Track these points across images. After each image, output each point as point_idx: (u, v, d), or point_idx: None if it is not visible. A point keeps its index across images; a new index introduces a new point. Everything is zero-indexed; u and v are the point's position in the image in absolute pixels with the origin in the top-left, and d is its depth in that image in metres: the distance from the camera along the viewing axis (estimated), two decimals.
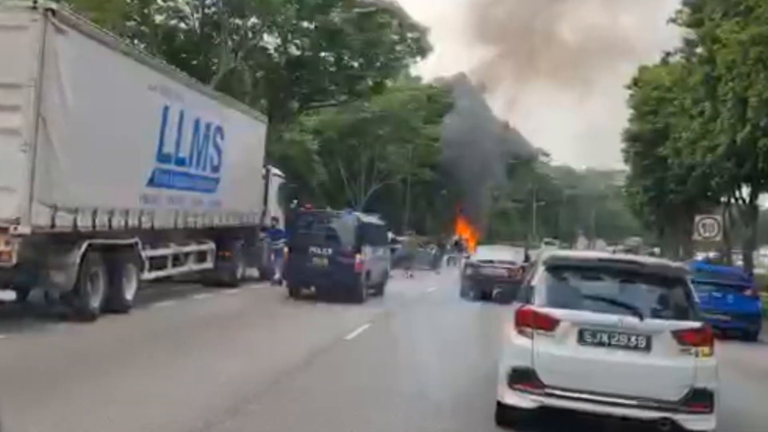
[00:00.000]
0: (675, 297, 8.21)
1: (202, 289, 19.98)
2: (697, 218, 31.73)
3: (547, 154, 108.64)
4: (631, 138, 44.90)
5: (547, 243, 63.83)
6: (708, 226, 30.97)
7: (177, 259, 18.09)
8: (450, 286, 30.24)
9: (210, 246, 20.09)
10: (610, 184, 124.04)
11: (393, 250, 33.09)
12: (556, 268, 8.44)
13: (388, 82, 59.07)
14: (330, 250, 19.73)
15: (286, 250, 20.33)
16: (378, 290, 22.37)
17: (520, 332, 8.01)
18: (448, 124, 62.24)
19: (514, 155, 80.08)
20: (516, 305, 8.52)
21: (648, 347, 7.69)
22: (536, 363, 7.77)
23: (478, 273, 23.96)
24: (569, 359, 7.76)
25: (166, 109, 16.17)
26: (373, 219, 22.61)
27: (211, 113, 18.89)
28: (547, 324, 7.86)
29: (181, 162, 17.27)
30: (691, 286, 8.31)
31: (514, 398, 7.88)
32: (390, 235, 35.02)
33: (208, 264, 20.12)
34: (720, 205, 43.31)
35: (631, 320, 7.70)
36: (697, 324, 7.85)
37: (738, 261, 38.63)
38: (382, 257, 22.58)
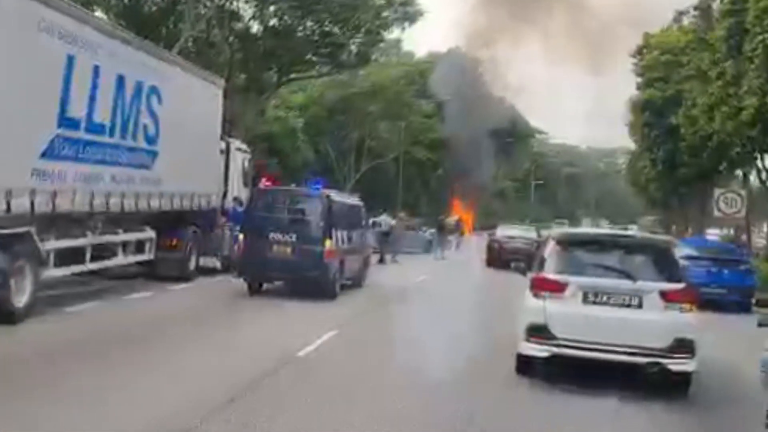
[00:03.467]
0: (662, 264, 9.64)
1: (143, 285, 16.34)
2: (717, 192, 28.06)
3: (544, 132, 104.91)
4: (639, 107, 40.99)
5: (557, 223, 67.83)
6: (730, 200, 27.31)
7: (100, 251, 14.42)
8: (444, 272, 26.65)
9: (149, 234, 16.41)
10: (611, 162, 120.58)
11: (387, 234, 29.53)
12: (564, 242, 10.10)
13: (377, 56, 55.57)
14: (294, 236, 16.04)
15: (240, 236, 16.60)
16: (356, 282, 18.71)
17: (535, 295, 9.50)
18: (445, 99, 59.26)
19: (511, 133, 76.40)
20: (531, 274, 10.00)
21: (640, 305, 9.15)
22: (548, 320, 9.22)
23: (502, 247, 30.01)
24: (575, 316, 9.19)
25: (70, 59, 12.41)
26: (347, 198, 18.88)
27: (142, 70, 15.13)
28: (557, 288, 9.35)
29: (97, 129, 13.54)
30: (676, 255, 10.15)
31: (531, 349, 9.35)
32: (386, 218, 31.44)
33: (147, 255, 16.45)
34: (734, 178, 39.71)
35: (626, 283, 9.22)
36: (680, 285, 9.33)
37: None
38: (359, 243, 18.89)
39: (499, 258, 28.62)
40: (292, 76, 38.56)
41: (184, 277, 17.78)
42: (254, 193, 17.17)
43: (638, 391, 8.96)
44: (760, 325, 7.41)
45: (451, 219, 42.86)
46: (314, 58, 37.25)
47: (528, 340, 9.35)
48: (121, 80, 14.25)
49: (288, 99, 48.87)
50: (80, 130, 12.91)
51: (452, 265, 30.12)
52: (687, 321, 9.12)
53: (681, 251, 13.90)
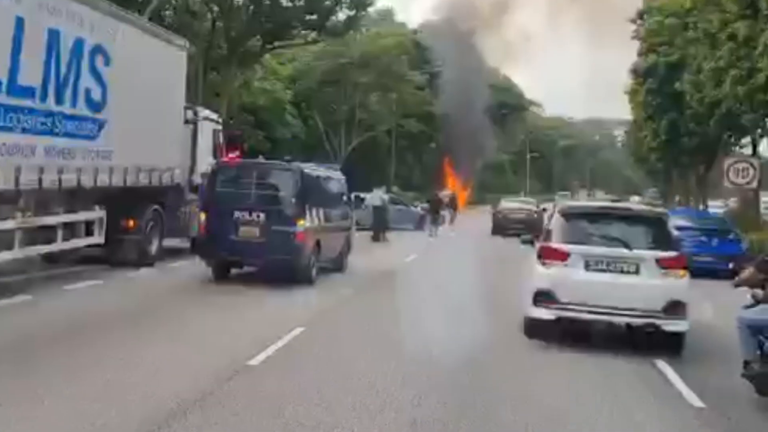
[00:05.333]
0: (657, 233, 10.34)
1: (95, 272, 14.31)
2: (728, 162, 25.95)
3: (539, 104, 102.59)
4: (641, 75, 38.69)
5: (561, 195, 70.56)
6: (741, 170, 25.23)
7: (33, 235, 12.33)
8: (436, 251, 24.55)
9: (97, 214, 14.31)
10: (606, 134, 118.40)
11: (381, 210, 27.45)
12: (567, 214, 10.80)
13: (368, 28, 53.17)
14: (263, 215, 13.93)
15: (201, 215, 14.48)
16: (337, 265, 16.63)
17: (542, 263, 10.17)
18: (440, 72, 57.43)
19: (505, 104, 74.19)
20: (538, 244, 10.66)
21: (637, 271, 9.87)
22: (554, 285, 9.96)
23: (505, 216, 33.30)
24: (578, 282, 9.90)
25: None
26: (324, 171, 16.71)
27: (83, 26, 12.95)
28: (561, 256, 10.06)
29: (23, 93, 11.40)
30: (670, 225, 10.78)
31: (538, 312, 10.04)
32: (379, 193, 29.27)
33: (97, 238, 14.37)
34: (736, 147, 37.60)
35: (624, 251, 9.93)
36: (673, 253, 10.07)
37: None
38: (340, 221, 16.79)
39: (502, 226, 32.16)
40: (277, 44, 36.20)
41: (145, 261, 15.73)
42: (217, 167, 14.96)
43: (629, 350, 9.76)
44: (736, 286, 8.37)
45: (445, 193, 40.65)
46: (298, 24, 34.87)
47: (536, 305, 10.01)
48: (54, 36, 12.07)
49: (276, 70, 46.52)
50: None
51: (445, 242, 28.01)
52: (679, 285, 9.84)
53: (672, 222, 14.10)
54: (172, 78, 16.85)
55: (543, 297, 9.94)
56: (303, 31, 36.26)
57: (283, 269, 14.11)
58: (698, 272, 11.32)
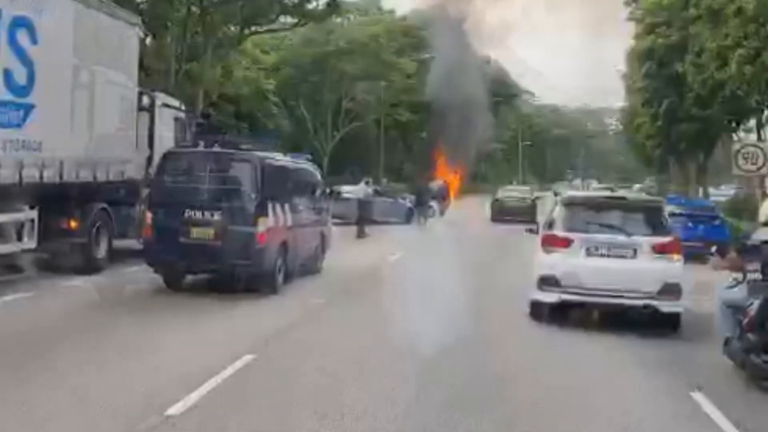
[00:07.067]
0: (652, 220, 10.98)
1: (31, 281, 12.24)
2: (736, 146, 23.93)
3: (531, 93, 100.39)
4: (638, 58, 36.60)
5: (570, 182, 74.89)
6: (751, 155, 23.20)
7: None
8: (425, 247, 22.38)
9: (26, 215, 12.24)
10: (599, 122, 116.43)
11: (366, 204, 25.37)
12: (569, 204, 11.47)
13: (354, 15, 51.14)
14: (218, 214, 11.88)
15: (148, 214, 12.39)
16: (310, 267, 14.60)
17: (545, 250, 10.80)
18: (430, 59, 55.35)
19: (497, 92, 72.05)
20: (542, 232, 11.23)
21: (634, 255, 10.45)
22: (557, 270, 10.51)
23: (503, 204, 35.41)
24: (580, 266, 10.45)
25: None
26: (291, 160, 14.62)
27: None
28: (564, 243, 10.66)
29: None
30: (666, 213, 11.57)
31: (542, 296, 10.61)
32: (363, 186, 27.20)
33: (27, 243, 12.30)
34: (741, 132, 35.69)
35: (622, 238, 10.50)
36: (668, 238, 10.67)
37: None
38: (312, 218, 14.74)
39: (501, 213, 34.21)
40: (255, 29, 34.07)
41: (92, 267, 13.72)
42: (164, 157, 12.81)
43: (622, 331, 10.10)
44: (714, 268, 9.06)
45: (435, 183, 38.44)
46: (276, 6, 32.73)
47: (540, 288, 10.61)
48: None
49: (259, 59, 44.35)
50: None
51: (434, 237, 25.89)
52: (674, 268, 10.44)
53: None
54: (121, 58, 14.75)
55: (546, 281, 10.53)
56: (282, 16, 34.05)
57: (245, 276, 12.07)
58: (686, 257, 11.47)
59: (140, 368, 7.67)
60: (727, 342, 8.32)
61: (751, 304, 7.90)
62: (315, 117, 48.75)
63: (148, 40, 34.12)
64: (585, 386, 7.81)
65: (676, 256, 10.51)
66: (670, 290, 10.19)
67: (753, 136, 32.40)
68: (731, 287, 8.49)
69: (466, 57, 62.11)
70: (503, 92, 74.52)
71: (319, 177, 15.79)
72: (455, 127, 58.50)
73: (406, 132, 57.30)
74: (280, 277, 12.52)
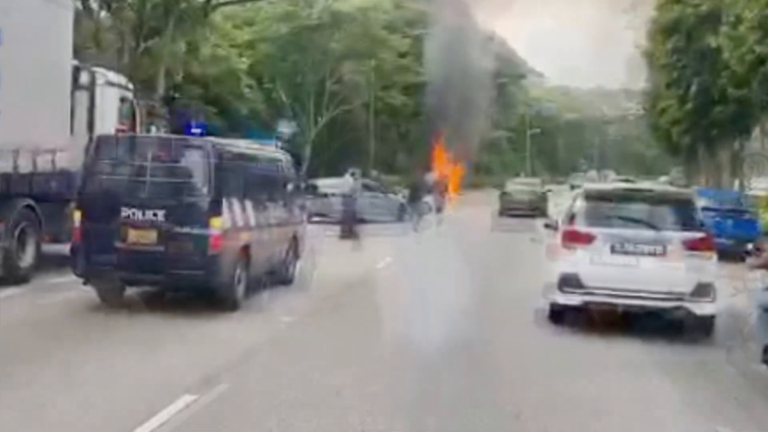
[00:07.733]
0: (683, 214, 11.03)
1: None
2: None
3: (540, 74, 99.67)
4: (663, 31, 35.58)
5: (575, 175, 75.25)
6: None
7: None
8: (417, 251, 21.18)
9: None
10: (616, 105, 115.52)
11: (351, 200, 24.33)
12: (591, 197, 11.53)
13: None
14: (161, 213, 10.73)
15: (76, 213, 11.22)
16: (280, 275, 13.47)
17: (566, 247, 10.82)
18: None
19: (502, 73, 71.08)
20: (561, 228, 11.33)
21: (664, 253, 10.39)
22: (579, 270, 10.50)
23: (512, 198, 37.11)
24: (604, 265, 10.46)
25: None
26: (255, 148, 13.46)
27: None
28: (586, 239, 10.65)
29: None
30: (697, 206, 11.62)
31: (564, 298, 10.60)
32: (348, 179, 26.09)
33: None
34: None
35: (650, 233, 10.51)
36: (700, 234, 10.69)
37: None
38: (282, 217, 13.57)
39: (509, 207, 35.82)
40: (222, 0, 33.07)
41: (15, 276, 12.65)
42: (96, 144, 11.61)
43: (646, 335, 10.05)
44: (751, 268, 9.45)
45: (430, 175, 37.31)
46: None
47: (561, 290, 10.55)
48: None
49: (230, 34, 43.21)
50: None
51: (431, 238, 24.72)
52: (707, 267, 10.42)
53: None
54: (47, 27, 13.54)
55: (568, 282, 10.51)
56: None
57: (195, 289, 10.92)
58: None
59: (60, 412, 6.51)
60: (766, 350, 8.37)
61: None
62: (295, 100, 47.65)
63: (103, 13, 33.21)
64: (598, 395, 7.89)
65: (709, 254, 10.56)
66: (705, 291, 10.24)
67: None
68: None
69: (467, 29, 61.14)
70: (509, 72, 73.68)
71: (291, 168, 14.61)
72: (455, 110, 57.54)
73: (400, 117, 56.31)
74: (240, 290, 11.39)
